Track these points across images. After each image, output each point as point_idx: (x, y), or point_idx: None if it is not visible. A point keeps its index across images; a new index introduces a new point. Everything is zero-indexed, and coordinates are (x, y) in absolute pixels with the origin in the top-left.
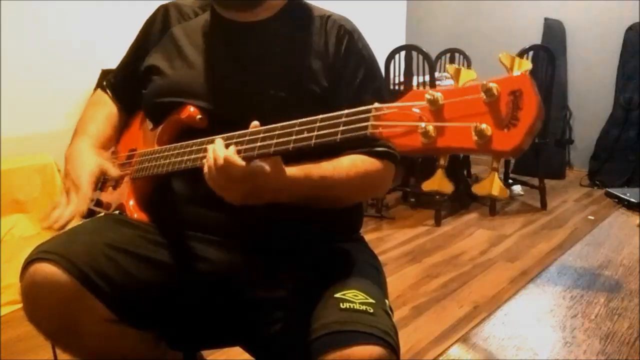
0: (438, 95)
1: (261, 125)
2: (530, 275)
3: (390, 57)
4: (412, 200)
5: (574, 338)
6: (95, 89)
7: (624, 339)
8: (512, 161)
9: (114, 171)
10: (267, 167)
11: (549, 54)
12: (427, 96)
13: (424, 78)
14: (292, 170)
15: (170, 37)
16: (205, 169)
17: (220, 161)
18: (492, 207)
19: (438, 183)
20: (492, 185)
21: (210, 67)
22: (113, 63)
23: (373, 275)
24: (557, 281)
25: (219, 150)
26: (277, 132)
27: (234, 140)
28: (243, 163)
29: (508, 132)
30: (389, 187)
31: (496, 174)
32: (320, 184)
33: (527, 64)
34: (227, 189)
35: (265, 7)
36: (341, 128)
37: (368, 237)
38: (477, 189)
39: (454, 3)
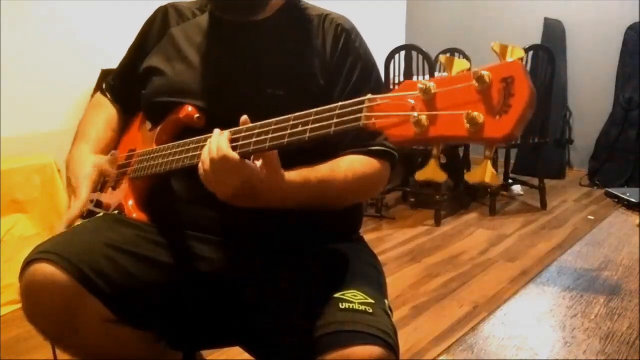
0: (430, 84)
1: None
2: (530, 275)
3: (390, 57)
4: (412, 200)
5: (574, 338)
6: (95, 91)
7: (624, 339)
8: (512, 161)
9: (108, 166)
10: (260, 164)
11: (549, 54)
12: (420, 86)
13: (424, 78)
14: (290, 175)
15: (169, 38)
16: (200, 162)
17: (214, 154)
18: (492, 207)
19: (431, 172)
20: (485, 172)
21: (208, 67)
22: (113, 63)
23: (373, 275)
24: (557, 281)
25: (215, 143)
26: (272, 127)
27: (232, 137)
28: (237, 156)
29: (500, 119)
30: (385, 185)
31: (489, 161)
32: (318, 187)
33: (519, 52)
34: (218, 184)
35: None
36: (335, 120)
37: (368, 237)
38: (470, 177)
39: (454, 3)
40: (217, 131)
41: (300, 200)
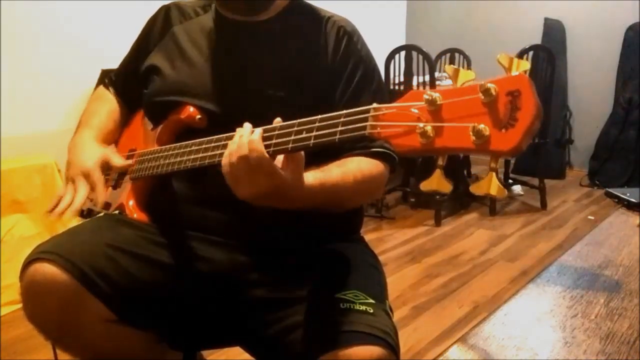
0: (436, 95)
1: (259, 125)
2: (530, 275)
3: (390, 57)
4: (412, 200)
5: (574, 338)
6: (96, 88)
7: (624, 339)
8: (512, 161)
9: (117, 161)
10: (289, 170)
11: (549, 54)
12: (426, 96)
13: (424, 78)
14: (308, 179)
15: (171, 37)
16: (226, 153)
17: (245, 149)
18: (492, 207)
19: (436, 183)
20: (490, 185)
21: (210, 66)
22: (113, 63)
23: (373, 275)
24: (557, 281)
25: (246, 137)
26: (275, 133)
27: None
28: (267, 155)
29: (506, 132)
30: (384, 188)
31: (494, 173)
32: (331, 190)
33: (525, 65)
34: (242, 181)
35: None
36: (340, 128)
37: (368, 237)
38: (475, 189)
39: (454, 3)
40: (247, 127)
41: (314, 202)
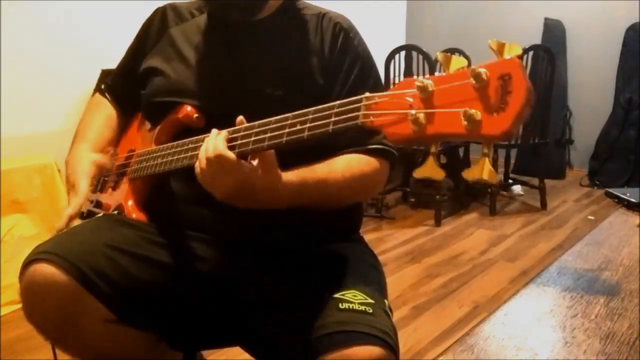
0: (428, 82)
1: None
2: (530, 275)
3: (390, 57)
4: (412, 200)
5: (574, 338)
6: (94, 91)
7: (624, 339)
8: (512, 161)
9: (105, 161)
10: (256, 164)
11: (549, 54)
12: (417, 83)
13: (423, 77)
14: (287, 176)
15: (167, 39)
16: (197, 161)
17: (210, 153)
18: (492, 207)
19: (430, 170)
20: (483, 170)
21: (207, 66)
22: (113, 63)
23: (373, 275)
24: (557, 281)
25: (211, 143)
26: (270, 127)
27: (230, 136)
28: (233, 156)
29: (497, 116)
30: (384, 184)
31: (487, 159)
32: (316, 187)
33: (517, 49)
34: (214, 184)
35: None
36: (333, 119)
37: (368, 237)
38: (468, 174)
39: (454, 3)
40: (214, 131)
41: (297, 200)
